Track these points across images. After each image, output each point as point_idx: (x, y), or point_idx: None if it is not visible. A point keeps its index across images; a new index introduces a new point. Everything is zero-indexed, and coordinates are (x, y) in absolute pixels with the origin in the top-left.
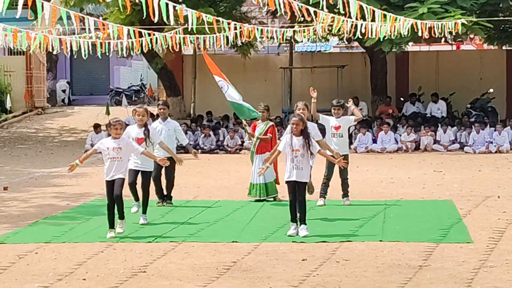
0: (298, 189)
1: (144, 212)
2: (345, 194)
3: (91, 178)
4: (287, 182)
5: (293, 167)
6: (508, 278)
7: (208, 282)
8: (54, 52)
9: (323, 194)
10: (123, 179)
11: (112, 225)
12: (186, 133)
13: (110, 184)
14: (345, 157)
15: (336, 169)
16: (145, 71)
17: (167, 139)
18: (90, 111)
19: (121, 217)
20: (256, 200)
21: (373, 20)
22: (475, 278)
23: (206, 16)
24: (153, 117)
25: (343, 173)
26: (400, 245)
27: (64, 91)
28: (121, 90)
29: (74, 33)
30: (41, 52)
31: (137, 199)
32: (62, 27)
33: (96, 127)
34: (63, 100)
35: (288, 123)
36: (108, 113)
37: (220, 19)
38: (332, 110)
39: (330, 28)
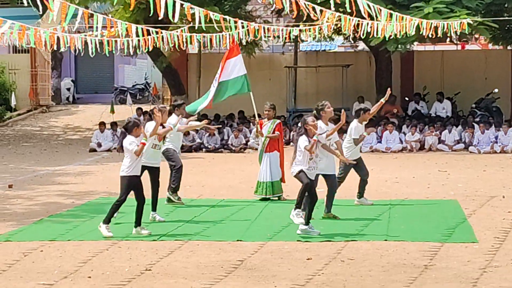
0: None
1: (155, 209)
2: (361, 194)
3: (96, 176)
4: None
5: (311, 168)
6: None
7: (213, 280)
8: (62, 50)
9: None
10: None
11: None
12: (188, 133)
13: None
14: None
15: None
16: (149, 69)
17: (178, 136)
18: (95, 110)
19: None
20: (262, 199)
21: (377, 19)
22: (480, 278)
23: (213, 15)
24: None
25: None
26: (405, 244)
27: (68, 89)
28: (126, 89)
29: (79, 31)
30: (46, 50)
31: None
32: (69, 25)
33: (101, 125)
34: (67, 98)
35: (293, 122)
36: (112, 111)
37: (227, 17)
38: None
39: (335, 27)
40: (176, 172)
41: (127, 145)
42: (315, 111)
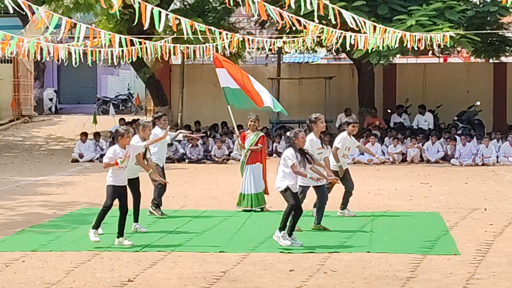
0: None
1: (137, 220)
2: (344, 206)
3: (78, 187)
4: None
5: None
6: None
7: None
8: (47, 59)
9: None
10: None
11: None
12: (171, 144)
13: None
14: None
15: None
16: (132, 80)
17: (163, 149)
18: (77, 120)
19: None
20: (244, 210)
21: (360, 31)
22: None
23: (198, 25)
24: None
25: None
26: (387, 256)
27: (51, 99)
28: (109, 99)
29: (61, 42)
30: (29, 61)
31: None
32: (51, 35)
33: (83, 135)
34: (50, 109)
35: (276, 134)
36: (95, 122)
37: (212, 28)
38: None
39: (319, 39)
40: (156, 187)
41: (106, 154)
42: (308, 122)
